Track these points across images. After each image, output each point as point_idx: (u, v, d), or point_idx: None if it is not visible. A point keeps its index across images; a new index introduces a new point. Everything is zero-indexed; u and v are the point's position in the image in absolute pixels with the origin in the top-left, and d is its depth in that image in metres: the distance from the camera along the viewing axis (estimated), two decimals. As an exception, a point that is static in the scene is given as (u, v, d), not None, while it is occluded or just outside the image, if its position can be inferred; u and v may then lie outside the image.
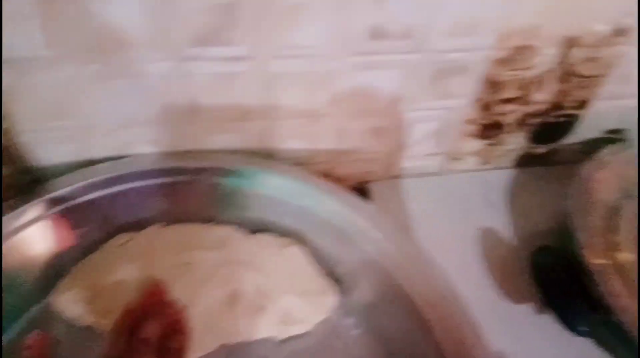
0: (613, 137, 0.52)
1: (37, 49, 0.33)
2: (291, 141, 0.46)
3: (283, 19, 0.35)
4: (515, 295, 0.44)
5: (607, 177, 0.45)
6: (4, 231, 0.37)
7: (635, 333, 0.35)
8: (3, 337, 0.37)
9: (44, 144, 0.41)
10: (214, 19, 0.35)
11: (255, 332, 0.38)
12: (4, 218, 0.38)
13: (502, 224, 0.50)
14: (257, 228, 0.45)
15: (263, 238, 0.44)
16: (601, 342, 0.40)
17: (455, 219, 0.50)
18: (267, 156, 0.46)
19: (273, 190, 0.43)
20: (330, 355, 0.39)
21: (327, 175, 0.50)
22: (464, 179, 0.53)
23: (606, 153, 0.46)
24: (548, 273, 0.40)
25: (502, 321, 0.42)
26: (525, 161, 0.54)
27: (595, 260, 0.39)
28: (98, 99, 0.38)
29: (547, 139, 0.52)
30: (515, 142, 0.51)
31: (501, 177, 0.54)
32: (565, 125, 0.50)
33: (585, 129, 0.51)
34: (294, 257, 0.43)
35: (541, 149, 0.53)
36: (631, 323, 0.36)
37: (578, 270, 0.39)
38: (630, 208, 0.43)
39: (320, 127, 0.45)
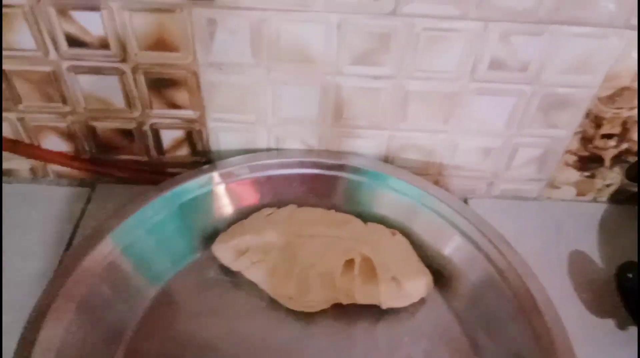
0: None
1: (245, 57, 0.46)
2: (410, 151, 0.54)
3: (424, 46, 0.45)
4: (601, 311, 0.48)
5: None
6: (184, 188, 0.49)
7: None
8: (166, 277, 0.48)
9: (222, 132, 0.53)
10: (371, 44, 0.45)
11: (365, 298, 0.46)
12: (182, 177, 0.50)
13: (591, 252, 0.54)
14: (370, 219, 0.53)
15: (376, 226, 0.52)
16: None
17: (547, 243, 0.55)
18: (388, 161, 0.55)
19: (390, 189, 0.52)
20: (421, 332, 0.46)
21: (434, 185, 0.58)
22: (560, 208, 0.59)
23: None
24: (632, 287, 0.44)
25: (588, 335, 0.47)
26: (621, 198, 0.58)
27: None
28: (269, 99, 0.50)
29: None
30: (612, 177, 0.56)
31: (596, 210, 0.58)
32: (664, 166, 0.55)
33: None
34: (401, 243, 0.50)
35: (636, 187, 0.57)
36: None
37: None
38: None
39: (436, 141, 0.53)
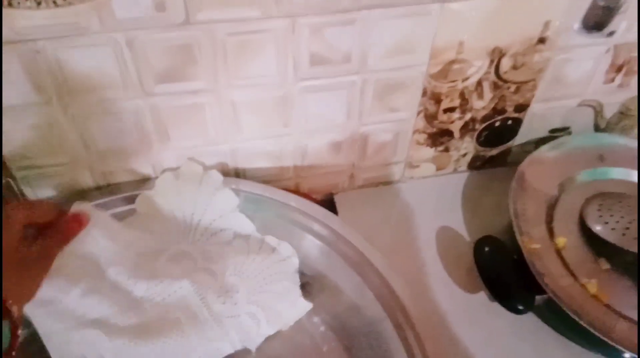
0: (557, 136, 0.57)
1: (29, 96, 0.39)
2: (259, 161, 0.50)
3: (234, 53, 0.41)
4: (469, 285, 0.48)
5: (544, 172, 0.49)
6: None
7: (569, 309, 0.39)
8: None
9: (36, 180, 0.46)
10: (173, 59, 0.40)
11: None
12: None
13: (457, 224, 0.54)
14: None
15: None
16: (543, 318, 0.44)
17: (415, 222, 0.54)
18: (239, 175, 0.51)
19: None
20: (301, 349, 0.44)
21: (296, 190, 0.54)
22: (423, 185, 0.58)
23: (543, 150, 0.51)
24: (489, 261, 0.44)
25: (460, 311, 0.47)
26: (478, 164, 0.58)
27: (531, 245, 0.43)
28: (77, 136, 0.43)
29: (495, 142, 0.56)
30: (466, 147, 0.56)
31: (458, 180, 0.58)
32: (510, 128, 0.55)
33: (531, 130, 0.56)
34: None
35: (491, 152, 0.57)
36: (565, 298, 0.40)
37: (518, 256, 0.43)
38: (566, 199, 0.47)
39: (282, 146, 0.50)
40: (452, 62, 0.46)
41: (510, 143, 0.57)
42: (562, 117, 0.56)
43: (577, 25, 0.46)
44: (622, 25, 0.47)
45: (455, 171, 0.59)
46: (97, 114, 0.42)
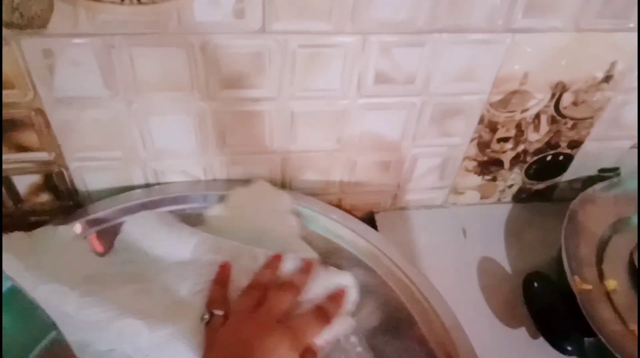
0: (606, 175, 0.56)
1: (98, 89, 0.39)
2: (307, 173, 0.50)
3: (302, 65, 0.41)
4: (510, 320, 0.47)
5: (597, 212, 0.48)
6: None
7: (620, 354, 0.38)
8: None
9: (88, 173, 0.46)
10: (242, 66, 0.40)
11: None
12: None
13: (499, 255, 0.53)
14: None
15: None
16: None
17: (456, 249, 0.54)
18: (285, 186, 0.51)
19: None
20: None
21: (338, 205, 0.54)
22: (466, 212, 0.57)
23: (597, 189, 0.50)
24: (538, 297, 0.43)
25: (499, 345, 0.46)
26: (524, 197, 0.58)
27: (582, 285, 0.42)
28: (136, 133, 0.44)
29: (543, 176, 0.56)
30: (514, 178, 0.55)
31: (501, 211, 0.58)
32: (561, 163, 0.54)
33: (581, 168, 0.55)
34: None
35: (539, 185, 0.56)
36: (615, 344, 0.38)
37: (567, 295, 0.42)
38: (618, 241, 0.47)
39: (332, 160, 0.50)
40: (514, 92, 0.46)
41: (558, 179, 0.56)
42: (614, 158, 0.55)
43: (642, 67, 0.46)
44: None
45: (499, 201, 0.58)
46: (158, 112, 0.42)
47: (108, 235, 0.44)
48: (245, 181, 0.48)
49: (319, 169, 0.50)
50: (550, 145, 0.52)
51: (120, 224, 0.45)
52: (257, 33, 0.38)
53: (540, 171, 0.55)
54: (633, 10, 0.41)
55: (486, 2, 0.39)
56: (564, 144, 0.52)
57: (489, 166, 0.53)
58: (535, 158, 0.53)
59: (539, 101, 0.47)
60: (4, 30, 0.35)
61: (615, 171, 0.56)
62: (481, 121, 0.48)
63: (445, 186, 0.55)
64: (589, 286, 0.42)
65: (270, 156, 0.48)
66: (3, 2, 0.34)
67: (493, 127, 0.49)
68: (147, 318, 0.38)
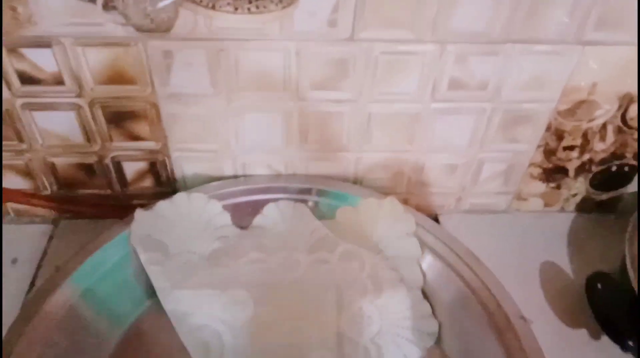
0: (673, 188, 0.57)
1: (204, 87, 0.45)
2: (378, 171, 0.54)
3: (383, 70, 0.45)
4: (572, 320, 0.49)
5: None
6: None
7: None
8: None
9: (186, 162, 0.52)
10: (330, 70, 0.45)
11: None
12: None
13: (562, 262, 0.55)
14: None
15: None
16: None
17: (518, 254, 0.55)
18: (357, 182, 0.55)
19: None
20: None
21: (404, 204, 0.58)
22: (528, 219, 0.59)
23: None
24: (601, 296, 0.45)
25: (561, 346, 0.47)
26: (587, 207, 0.59)
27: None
28: (232, 128, 0.49)
29: (608, 187, 0.57)
30: (578, 187, 0.57)
31: (564, 220, 0.59)
32: (626, 174, 0.56)
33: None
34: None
35: (603, 196, 0.58)
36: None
37: (630, 296, 0.43)
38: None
39: (402, 161, 0.53)
40: (582, 102, 0.48)
41: (622, 190, 0.57)
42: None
43: None
44: None
45: (562, 210, 0.60)
46: (253, 109, 0.48)
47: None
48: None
49: (389, 168, 0.54)
50: (615, 155, 0.53)
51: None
52: (345, 41, 0.43)
53: (605, 181, 0.56)
54: None
55: (559, 16, 0.42)
56: (629, 155, 0.53)
57: (553, 173, 0.55)
58: (600, 167, 0.55)
59: (606, 111, 0.49)
60: (136, 33, 0.42)
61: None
62: (548, 128, 0.50)
63: (509, 191, 0.57)
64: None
65: (345, 154, 0.53)
66: (136, 9, 0.40)
67: (560, 135, 0.51)
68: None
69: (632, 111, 0.49)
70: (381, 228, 0.50)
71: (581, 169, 0.55)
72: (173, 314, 0.44)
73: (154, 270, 0.45)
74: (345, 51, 0.44)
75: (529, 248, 0.56)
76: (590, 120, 0.50)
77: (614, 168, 0.55)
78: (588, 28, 0.43)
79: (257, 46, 0.43)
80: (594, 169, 0.55)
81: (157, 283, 0.45)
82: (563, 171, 0.55)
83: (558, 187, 0.57)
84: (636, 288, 0.43)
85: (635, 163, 0.54)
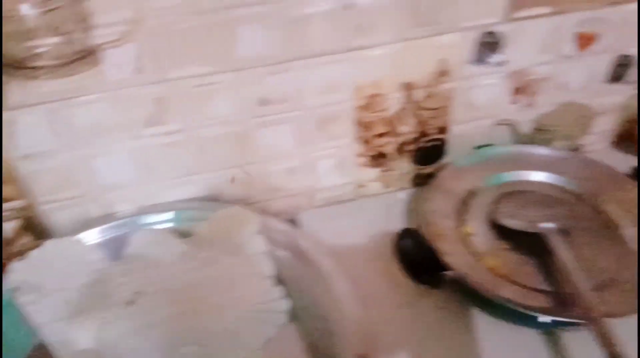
0: (483, 152, 0.67)
1: (51, 143, 0.53)
2: (230, 186, 0.63)
3: (199, 100, 0.54)
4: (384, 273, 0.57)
5: (459, 178, 0.60)
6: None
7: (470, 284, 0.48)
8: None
9: (56, 212, 0.59)
10: (153, 108, 0.54)
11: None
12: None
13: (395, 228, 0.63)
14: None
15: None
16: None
17: (366, 233, 0.63)
18: (216, 199, 0.63)
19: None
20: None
21: (265, 211, 0.66)
22: (374, 202, 0.68)
23: (458, 161, 0.62)
24: (408, 249, 0.54)
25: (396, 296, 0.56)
26: (420, 181, 0.69)
27: (439, 232, 0.53)
28: (88, 172, 0.57)
29: (429, 161, 0.67)
30: (404, 166, 0.67)
31: (403, 196, 0.69)
32: (438, 147, 0.66)
33: (458, 148, 0.67)
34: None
35: (427, 169, 0.68)
36: (469, 278, 0.49)
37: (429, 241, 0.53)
38: (478, 198, 0.57)
39: (248, 173, 0.62)
40: (374, 96, 0.59)
41: (442, 161, 0.68)
42: (483, 136, 0.67)
43: (470, 58, 0.59)
44: (510, 56, 0.59)
45: (402, 188, 0.69)
46: (101, 153, 0.56)
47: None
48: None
49: (238, 181, 0.63)
50: (423, 134, 0.64)
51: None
52: (158, 83, 0.52)
53: (424, 156, 0.66)
54: (440, 16, 0.54)
55: (323, 32, 0.52)
56: (433, 131, 0.64)
57: (378, 159, 0.65)
58: (414, 146, 0.65)
59: (396, 99, 0.60)
60: (-26, 110, 0.49)
61: (488, 146, 0.67)
62: (356, 122, 0.60)
63: (349, 182, 0.67)
64: (446, 233, 0.52)
65: (194, 177, 0.61)
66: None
67: (367, 127, 0.61)
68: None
69: (418, 95, 0.60)
70: (233, 233, 0.58)
71: (400, 151, 0.65)
72: (55, 345, 0.50)
73: (31, 309, 0.51)
74: (160, 91, 0.53)
75: (374, 227, 0.64)
76: (385, 109, 0.60)
77: (427, 145, 0.65)
78: (350, 36, 0.53)
79: (84, 100, 0.51)
80: (411, 148, 0.65)
81: (37, 320, 0.51)
82: (384, 155, 0.65)
83: (389, 170, 0.67)
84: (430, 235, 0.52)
85: (442, 136, 0.65)
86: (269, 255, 0.57)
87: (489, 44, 0.58)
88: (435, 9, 0.54)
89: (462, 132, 0.65)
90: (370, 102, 0.59)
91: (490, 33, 0.57)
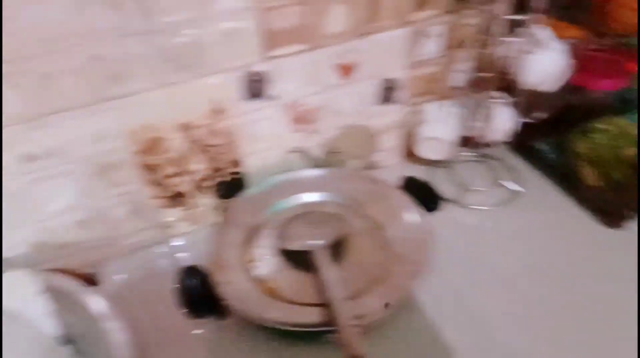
0: (283, 179, 0.71)
1: None
2: (18, 247, 0.60)
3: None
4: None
5: (248, 208, 0.62)
6: None
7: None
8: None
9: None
10: None
11: None
12: None
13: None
14: None
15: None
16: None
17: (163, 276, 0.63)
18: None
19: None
20: None
21: (65, 270, 0.64)
22: (183, 243, 0.69)
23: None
24: (187, 285, 0.54)
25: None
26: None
27: (220, 261, 0.55)
28: None
29: (232, 194, 0.69)
30: (207, 202, 0.68)
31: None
32: (239, 179, 0.68)
33: (259, 178, 0.69)
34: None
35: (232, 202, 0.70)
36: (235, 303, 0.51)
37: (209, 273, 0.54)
38: (262, 227, 0.60)
39: (36, 232, 0.60)
40: (154, 139, 0.60)
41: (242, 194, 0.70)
42: (281, 164, 0.70)
43: (243, 95, 0.62)
44: (280, 90, 0.64)
45: (214, 223, 0.70)
46: None
47: None
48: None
49: (31, 244, 0.61)
50: (217, 169, 0.66)
51: None
52: None
53: (227, 189, 0.68)
54: (198, 61, 0.57)
55: (77, 84, 0.53)
56: (227, 165, 0.67)
57: (176, 198, 0.66)
58: (212, 182, 0.67)
59: (178, 139, 0.61)
60: None
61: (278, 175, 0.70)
62: (141, 166, 0.61)
63: (150, 226, 0.67)
64: (230, 263, 0.54)
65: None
66: None
67: (153, 169, 0.62)
68: None
69: (200, 134, 0.62)
70: (12, 295, 0.55)
71: (199, 188, 0.67)
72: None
73: None
74: None
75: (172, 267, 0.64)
76: (168, 151, 0.62)
77: (227, 179, 0.67)
78: (107, 87, 0.55)
79: None
80: (211, 184, 0.67)
81: None
82: (182, 194, 0.66)
83: (190, 208, 0.68)
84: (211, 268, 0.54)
85: (239, 169, 0.68)
86: (54, 315, 0.55)
87: (256, 81, 0.62)
88: (192, 54, 0.57)
89: (257, 163, 0.68)
90: (151, 146, 0.60)
91: (255, 72, 0.61)
